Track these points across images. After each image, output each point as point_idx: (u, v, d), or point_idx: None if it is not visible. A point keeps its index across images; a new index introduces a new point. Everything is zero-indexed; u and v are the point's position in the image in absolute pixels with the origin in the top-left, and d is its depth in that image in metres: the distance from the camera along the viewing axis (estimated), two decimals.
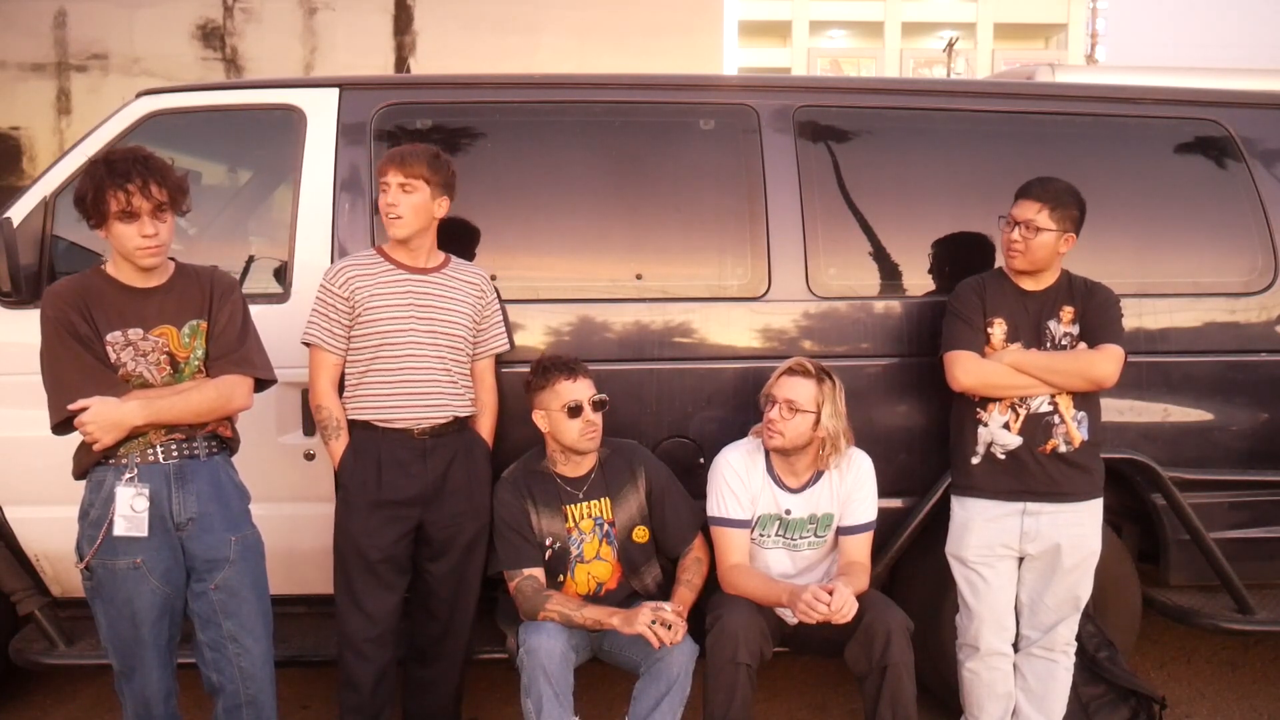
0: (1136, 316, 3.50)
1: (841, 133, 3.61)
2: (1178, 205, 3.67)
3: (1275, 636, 4.19)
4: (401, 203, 3.03)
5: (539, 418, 3.16)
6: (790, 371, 3.14)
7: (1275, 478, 3.58)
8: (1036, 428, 3.13)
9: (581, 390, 3.13)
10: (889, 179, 3.60)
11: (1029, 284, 3.19)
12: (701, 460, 3.37)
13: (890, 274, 3.57)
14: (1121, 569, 3.58)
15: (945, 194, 3.59)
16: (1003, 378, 3.12)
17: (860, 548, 3.21)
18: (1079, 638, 3.32)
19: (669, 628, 2.91)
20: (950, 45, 38.52)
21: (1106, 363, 3.09)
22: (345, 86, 3.53)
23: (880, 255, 3.56)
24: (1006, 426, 3.15)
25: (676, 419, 3.46)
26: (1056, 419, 3.13)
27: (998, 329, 3.17)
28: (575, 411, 3.11)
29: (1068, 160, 3.59)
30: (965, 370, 3.14)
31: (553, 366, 3.14)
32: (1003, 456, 3.15)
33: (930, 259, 3.55)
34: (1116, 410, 3.46)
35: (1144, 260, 3.62)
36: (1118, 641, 3.52)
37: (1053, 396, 3.13)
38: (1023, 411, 3.14)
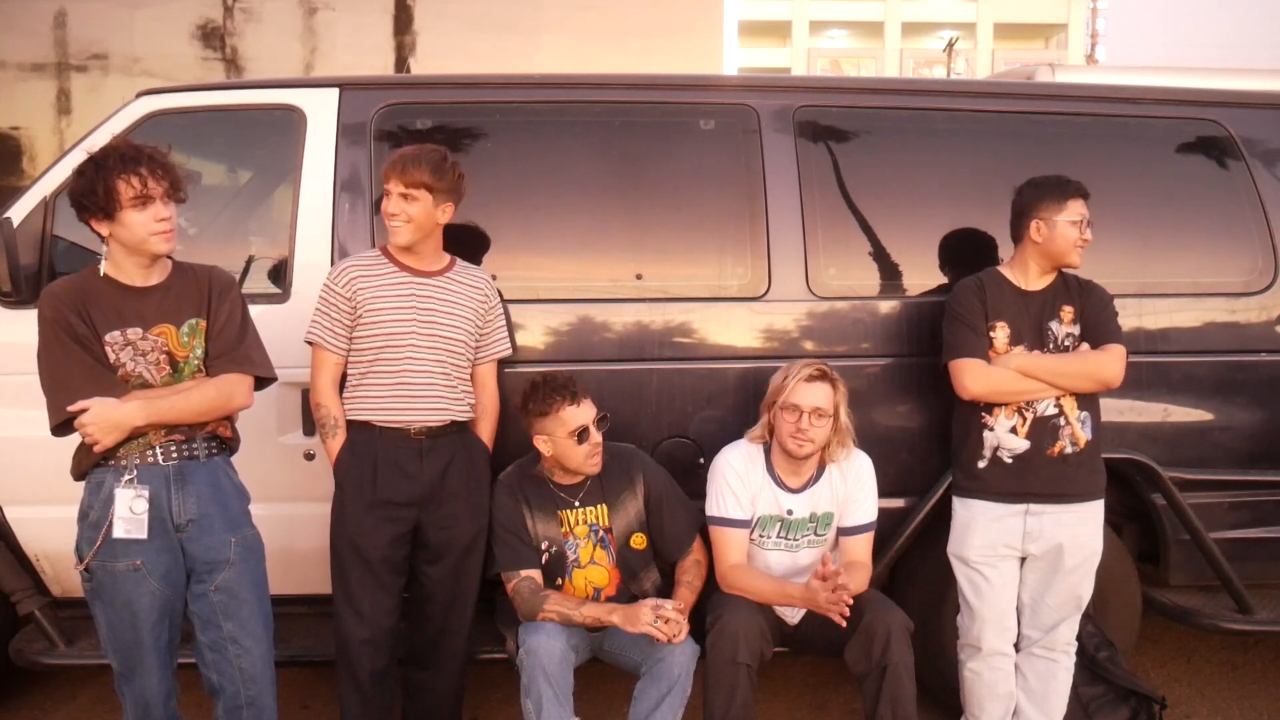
0: (1136, 316, 3.50)
1: (841, 133, 3.61)
2: (1178, 205, 3.67)
3: (1275, 636, 4.18)
4: (402, 211, 3.02)
5: (541, 443, 3.11)
6: (810, 378, 3.11)
7: (1275, 478, 3.58)
8: (1044, 431, 3.13)
9: (586, 414, 3.08)
10: (889, 179, 3.60)
11: (1031, 284, 3.19)
12: (701, 460, 3.37)
13: (890, 274, 3.57)
14: (1121, 569, 3.58)
15: (945, 194, 3.59)
16: (1012, 383, 3.11)
17: (860, 548, 3.21)
18: (1079, 638, 3.32)
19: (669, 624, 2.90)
20: (950, 45, 38.51)
21: (1114, 363, 3.11)
22: (345, 86, 3.53)
23: (880, 255, 3.56)
24: (1014, 431, 3.14)
25: (676, 419, 3.45)
26: (1062, 421, 3.13)
27: (1000, 333, 3.16)
28: (581, 437, 3.08)
29: (1068, 160, 3.57)
30: (974, 378, 3.13)
31: (553, 392, 3.07)
32: (1009, 460, 3.15)
33: (930, 259, 3.55)
34: (1117, 410, 3.46)
35: (1144, 260, 3.62)
36: (1118, 641, 3.53)
37: (1057, 399, 3.13)
38: (1029, 415, 3.13)
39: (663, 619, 2.89)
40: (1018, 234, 3.21)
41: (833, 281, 3.50)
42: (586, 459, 3.10)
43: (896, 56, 44.87)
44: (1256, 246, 3.65)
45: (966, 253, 3.52)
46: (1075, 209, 3.13)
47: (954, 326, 3.20)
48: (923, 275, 3.56)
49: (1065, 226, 3.13)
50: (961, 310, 3.19)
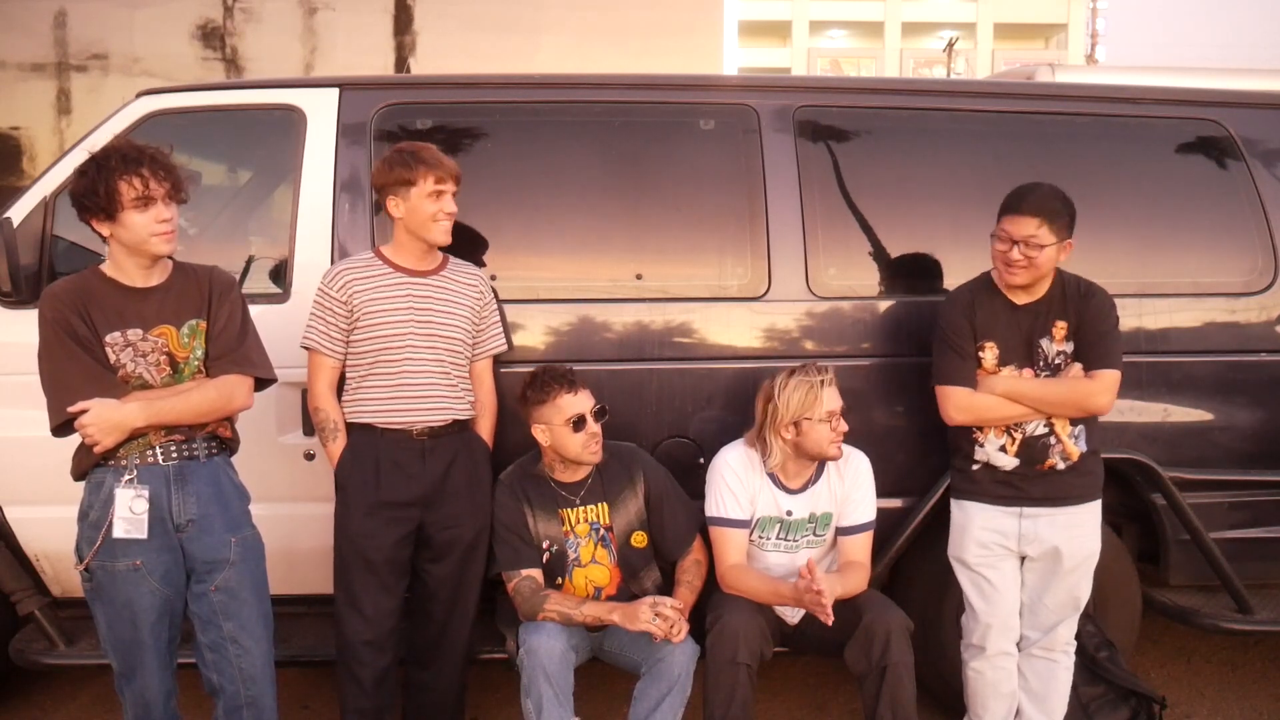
0: (1136, 316, 3.50)
1: (841, 133, 3.61)
2: (1178, 205, 3.67)
3: (1275, 636, 4.18)
4: (454, 209, 3.08)
5: (539, 432, 3.13)
6: (831, 382, 3.11)
7: (1275, 478, 3.58)
8: (1033, 449, 3.09)
9: (583, 403, 3.10)
10: (889, 179, 3.59)
11: (1021, 297, 3.11)
12: (701, 460, 3.37)
13: (890, 274, 3.57)
14: (1121, 569, 3.58)
15: (945, 194, 3.58)
16: (997, 410, 3.08)
17: (860, 548, 3.21)
18: (1079, 638, 3.31)
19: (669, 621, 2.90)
20: (950, 45, 38.52)
21: (1103, 394, 3.03)
22: (345, 86, 3.53)
23: (880, 255, 3.56)
24: (1003, 450, 3.11)
25: (676, 419, 3.45)
26: (1053, 440, 3.09)
27: (989, 353, 3.12)
28: (579, 425, 3.09)
29: (1068, 160, 3.59)
30: (959, 408, 3.10)
31: (552, 380, 3.10)
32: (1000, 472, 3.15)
33: (930, 259, 3.55)
34: (1117, 410, 3.43)
35: (1144, 260, 3.61)
36: (1118, 641, 3.52)
37: (1048, 418, 3.09)
38: (1018, 435, 3.10)
39: (661, 616, 2.89)
40: None
41: (833, 281, 3.50)
42: (584, 448, 3.10)
43: (896, 56, 44.87)
44: (1256, 246, 3.64)
45: (966, 253, 3.51)
46: (1001, 225, 3.02)
47: (941, 349, 3.16)
48: (923, 275, 3.56)
49: (993, 242, 3.06)
50: (950, 332, 3.13)
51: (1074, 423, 3.10)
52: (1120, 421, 3.48)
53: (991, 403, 3.08)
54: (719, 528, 3.18)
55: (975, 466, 3.17)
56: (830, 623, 2.89)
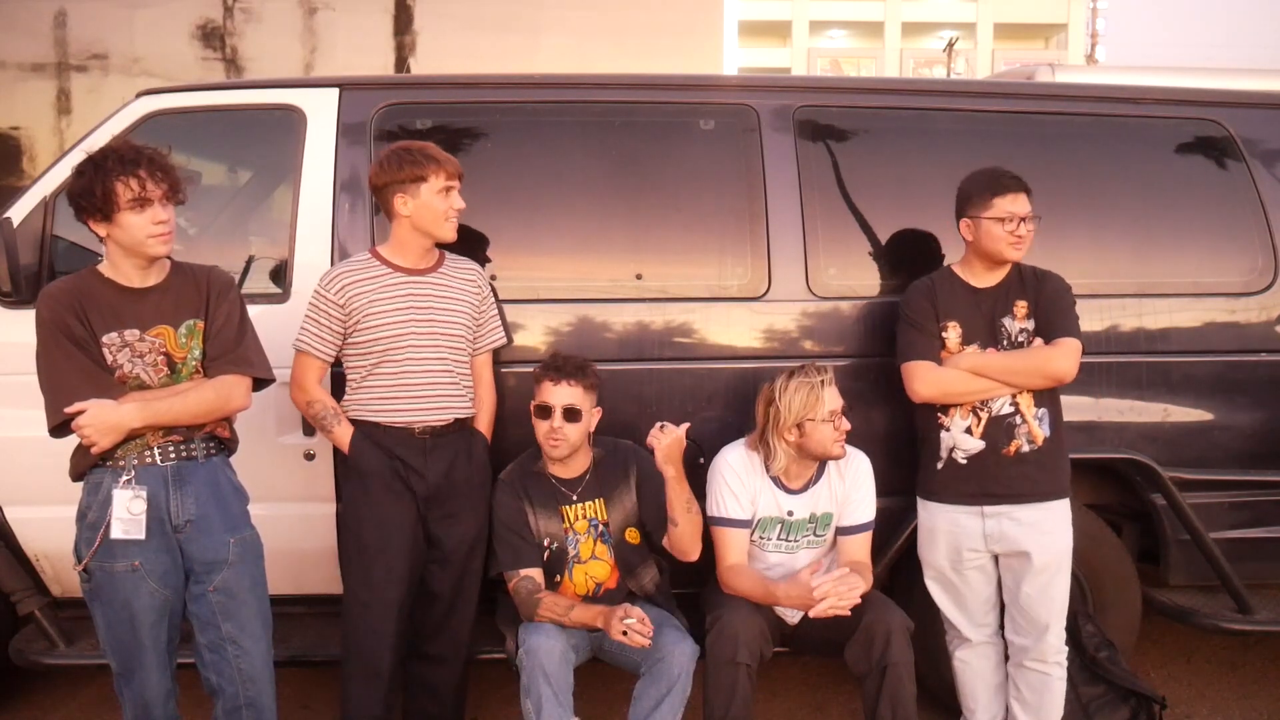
0: (1136, 316, 3.50)
1: (841, 133, 3.61)
2: (1178, 205, 3.67)
3: (1275, 636, 4.18)
4: (463, 205, 3.09)
5: (532, 406, 3.18)
6: (831, 382, 3.11)
7: (1275, 478, 3.58)
8: (999, 430, 3.09)
9: (558, 395, 3.09)
10: (889, 179, 3.60)
11: (981, 280, 3.15)
12: (701, 460, 3.37)
13: (891, 274, 3.56)
14: (1121, 569, 3.58)
15: (945, 194, 3.56)
16: (962, 384, 3.09)
17: (860, 547, 3.21)
18: (1079, 638, 3.31)
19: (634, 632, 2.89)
20: (950, 45, 38.50)
21: (1064, 358, 3.05)
22: (345, 86, 3.53)
23: (880, 255, 3.56)
24: (969, 431, 3.11)
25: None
26: (1018, 419, 3.09)
27: (952, 333, 3.13)
28: (542, 413, 3.11)
29: (1068, 160, 3.59)
30: (923, 381, 3.11)
31: (549, 365, 3.14)
32: (964, 461, 3.12)
33: (930, 259, 3.54)
34: (1117, 410, 3.46)
35: (1144, 260, 3.61)
36: (1118, 641, 3.52)
37: (1013, 397, 3.09)
38: (984, 415, 3.10)
39: (630, 630, 2.87)
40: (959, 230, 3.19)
41: (833, 281, 3.50)
42: (545, 437, 3.12)
43: (896, 56, 44.84)
44: (1256, 246, 3.64)
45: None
46: (1002, 206, 3.07)
47: (904, 330, 3.18)
48: (922, 275, 3.54)
49: (990, 225, 3.08)
50: (911, 313, 3.17)
51: (1038, 403, 3.10)
52: (1120, 421, 3.48)
53: (956, 376, 3.09)
54: (720, 528, 3.18)
55: (938, 464, 3.16)
56: (815, 616, 2.91)
